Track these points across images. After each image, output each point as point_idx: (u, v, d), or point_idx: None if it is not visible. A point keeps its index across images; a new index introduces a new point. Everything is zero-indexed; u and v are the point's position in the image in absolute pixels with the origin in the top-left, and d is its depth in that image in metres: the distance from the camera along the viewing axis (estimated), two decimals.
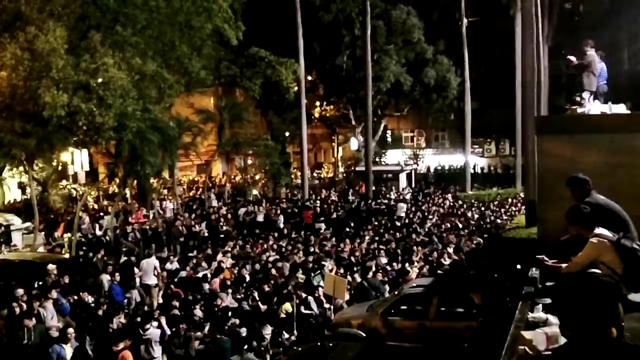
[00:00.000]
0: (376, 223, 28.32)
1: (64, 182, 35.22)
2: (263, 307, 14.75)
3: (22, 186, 33.41)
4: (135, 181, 28.47)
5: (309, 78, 42.30)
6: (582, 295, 2.94)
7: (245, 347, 12.50)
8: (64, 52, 19.48)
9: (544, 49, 32.67)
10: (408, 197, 38.11)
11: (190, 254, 21.20)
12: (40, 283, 15.40)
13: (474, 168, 49.17)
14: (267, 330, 13.64)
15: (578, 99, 13.03)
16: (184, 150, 30.76)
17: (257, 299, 15.10)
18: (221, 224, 27.07)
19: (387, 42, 40.96)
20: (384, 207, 32.27)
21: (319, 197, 36.13)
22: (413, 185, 44.14)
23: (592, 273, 5.82)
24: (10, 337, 12.10)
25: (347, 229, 27.04)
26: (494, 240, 19.62)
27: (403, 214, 30.73)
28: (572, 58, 13.44)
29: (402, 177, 43.03)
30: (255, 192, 38.64)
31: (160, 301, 16.51)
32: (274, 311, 14.62)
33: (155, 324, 12.62)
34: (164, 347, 12.34)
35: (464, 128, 43.64)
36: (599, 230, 6.08)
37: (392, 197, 36.72)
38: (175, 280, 17.71)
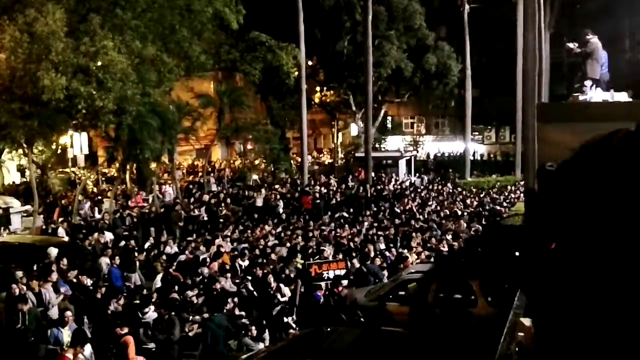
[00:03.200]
0: (375, 209, 28.34)
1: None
2: (262, 292, 14.77)
3: (21, 169, 33.37)
4: (135, 165, 28.45)
5: (310, 63, 42.09)
6: None
7: (243, 331, 12.55)
8: (63, 35, 19.40)
9: (546, 37, 32.52)
10: (408, 183, 38.18)
11: (190, 238, 21.23)
12: (40, 266, 15.43)
13: (473, 155, 49.15)
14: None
15: (579, 86, 12.99)
16: (184, 134, 30.70)
17: (256, 283, 15.13)
18: (220, 208, 27.07)
19: (388, 27, 40.72)
20: (385, 193, 32.31)
21: (318, 183, 36.14)
22: (413, 172, 44.10)
23: None
24: (9, 320, 12.14)
25: (346, 215, 27.07)
26: (493, 227, 19.66)
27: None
28: (572, 45, 13.36)
29: (402, 164, 42.96)
30: (254, 177, 38.61)
31: None
32: (273, 295, 14.65)
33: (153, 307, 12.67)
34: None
35: (464, 115, 43.64)
36: None
37: (392, 182, 36.73)
38: (174, 264, 17.74)
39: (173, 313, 12.45)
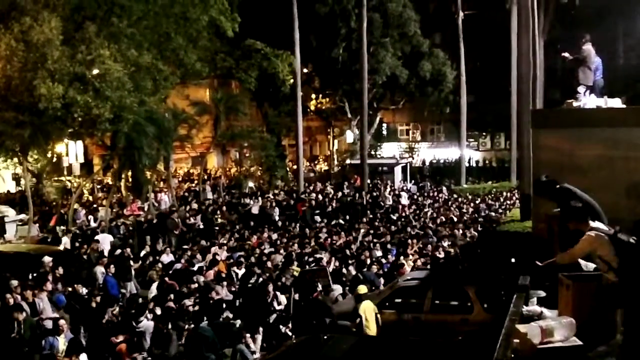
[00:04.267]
0: (371, 216, 28.34)
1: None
2: (258, 299, 14.71)
3: (16, 178, 33.30)
4: (130, 173, 28.39)
5: (305, 70, 42.14)
6: None
7: (239, 339, 12.47)
8: (59, 43, 19.40)
9: (540, 43, 32.56)
10: (405, 190, 38.20)
11: (185, 247, 21.17)
12: (35, 275, 15.37)
13: (469, 161, 49.24)
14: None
15: (573, 92, 13.06)
16: (180, 142, 30.70)
17: (253, 291, 15.08)
18: (216, 216, 27.03)
19: (383, 34, 40.82)
20: (380, 200, 32.37)
21: (314, 190, 36.15)
22: (408, 179, 44.14)
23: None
24: (4, 329, 12.07)
25: (342, 222, 27.06)
26: (489, 234, 19.64)
27: (406, 202, 31.24)
28: (567, 54, 13.46)
29: (398, 171, 42.98)
30: (250, 184, 38.61)
31: None
32: (270, 303, 14.60)
33: (149, 316, 12.60)
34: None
35: (460, 121, 43.71)
36: (596, 224, 6.09)
37: (388, 190, 36.74)
38: (170, 272, 17.67)
39: (170, 327, 12.36)
